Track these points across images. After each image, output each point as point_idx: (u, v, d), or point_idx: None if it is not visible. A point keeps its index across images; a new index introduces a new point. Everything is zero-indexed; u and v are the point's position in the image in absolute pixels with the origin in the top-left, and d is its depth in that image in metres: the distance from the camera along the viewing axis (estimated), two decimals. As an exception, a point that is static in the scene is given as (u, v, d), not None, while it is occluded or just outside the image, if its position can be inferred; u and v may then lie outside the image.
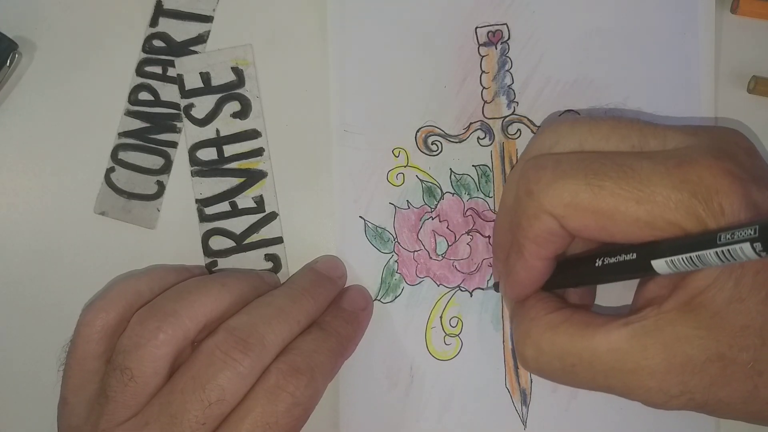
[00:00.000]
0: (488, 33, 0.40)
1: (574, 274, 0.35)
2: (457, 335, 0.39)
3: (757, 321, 0.29)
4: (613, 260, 0.32)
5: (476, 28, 0.40)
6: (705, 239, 0.28)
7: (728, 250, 0.27)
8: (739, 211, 0.29)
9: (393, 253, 0.39)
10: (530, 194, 0.32)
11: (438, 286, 0.39)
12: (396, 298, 0.39)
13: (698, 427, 0.38)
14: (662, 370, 0.30)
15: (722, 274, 0.29)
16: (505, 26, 0.40)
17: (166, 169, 0.40)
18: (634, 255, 0.31)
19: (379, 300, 0.39)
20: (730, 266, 0.29)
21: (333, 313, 0.37)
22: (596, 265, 0.33)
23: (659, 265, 0.29)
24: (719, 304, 0.29)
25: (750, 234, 0.26)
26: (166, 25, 0.40)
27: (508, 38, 0.40)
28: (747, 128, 0.39)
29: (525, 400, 0.38)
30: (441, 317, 0.39)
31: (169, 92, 0.40)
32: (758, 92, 0.40)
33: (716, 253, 0.27)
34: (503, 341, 0.39)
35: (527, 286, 0.34)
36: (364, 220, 0.39)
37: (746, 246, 0.26)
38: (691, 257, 0.28)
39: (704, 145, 0.31)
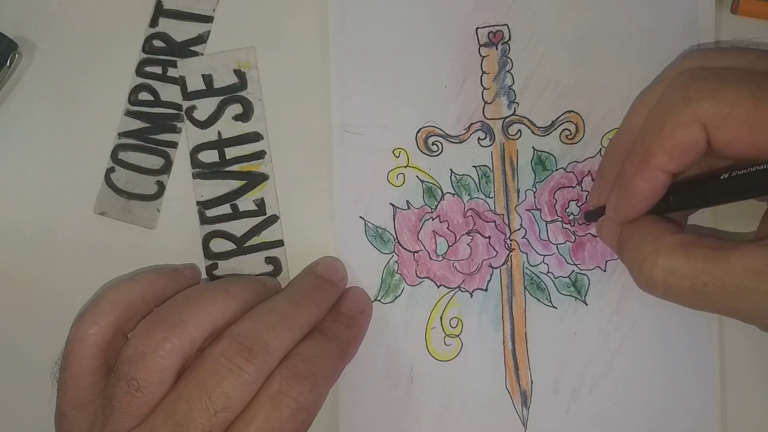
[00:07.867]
0: (489, 33, 0.40)
1: (690, 194, 0.33)
2: (457, 336, 0.39)
3: None
4: (742, 172, 0.31)
5: (477, 28, 0.40)
6: None
7: None
8: None
9: (393, 254, 0.39)
10: (687, 101, 0.31)
11: (438, 286, 0.39)
12: (396, 298, 0.39)
13: (700, 427, 0.38)
14: None
15: None
16: (505, 27, 0.40)
17: (166, 169, 0.40)
18: None
19: (379, 300, 0.39)
20: None
21: (333, 317, 0.37)
22: (722, 178, 0.31)
23: None
24: None
25: None
26: (166, 25, 0.40)
27: (509, 39, 0.40)
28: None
29: (525, 401, 0.38)
30: (441, 318, 0.39)
31: (169, 92, 0.40)
32: (758, 93, 0.40)
33: None
34: (503, 342, 0.39)
35: (644, 200, 0.33)
36: (365, 220, 0.39)
37: None
38: None
39: None
